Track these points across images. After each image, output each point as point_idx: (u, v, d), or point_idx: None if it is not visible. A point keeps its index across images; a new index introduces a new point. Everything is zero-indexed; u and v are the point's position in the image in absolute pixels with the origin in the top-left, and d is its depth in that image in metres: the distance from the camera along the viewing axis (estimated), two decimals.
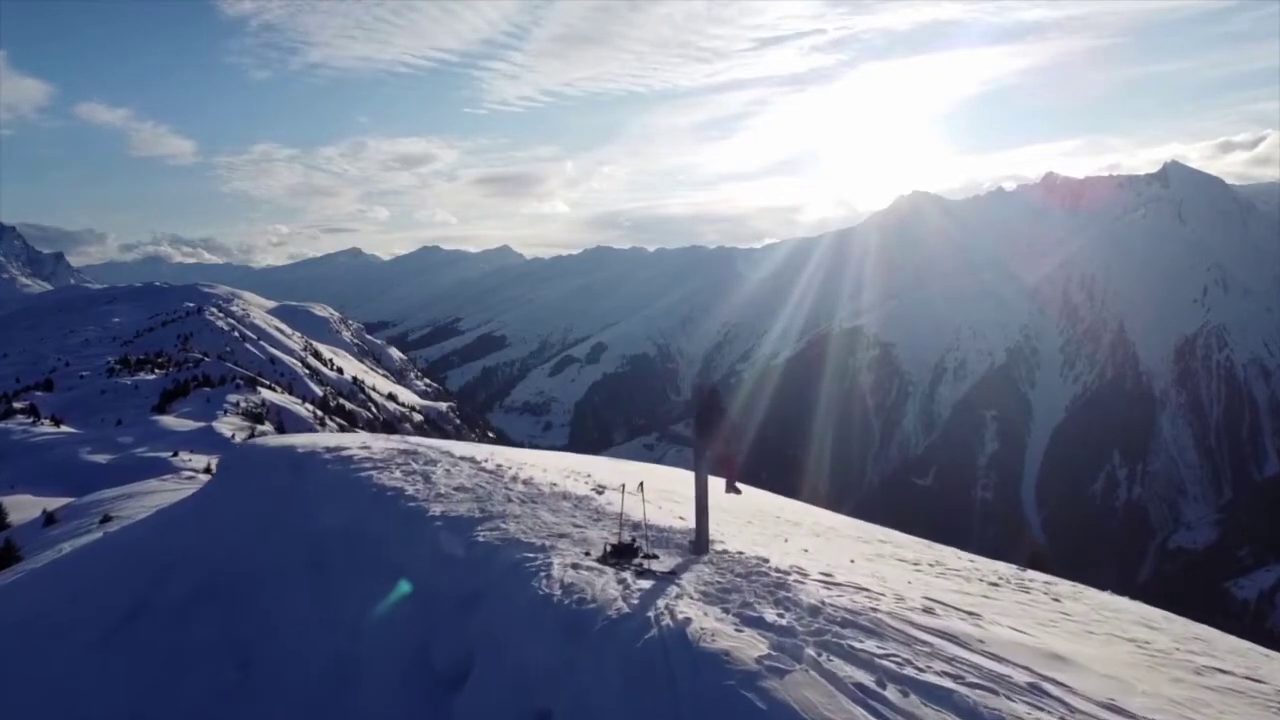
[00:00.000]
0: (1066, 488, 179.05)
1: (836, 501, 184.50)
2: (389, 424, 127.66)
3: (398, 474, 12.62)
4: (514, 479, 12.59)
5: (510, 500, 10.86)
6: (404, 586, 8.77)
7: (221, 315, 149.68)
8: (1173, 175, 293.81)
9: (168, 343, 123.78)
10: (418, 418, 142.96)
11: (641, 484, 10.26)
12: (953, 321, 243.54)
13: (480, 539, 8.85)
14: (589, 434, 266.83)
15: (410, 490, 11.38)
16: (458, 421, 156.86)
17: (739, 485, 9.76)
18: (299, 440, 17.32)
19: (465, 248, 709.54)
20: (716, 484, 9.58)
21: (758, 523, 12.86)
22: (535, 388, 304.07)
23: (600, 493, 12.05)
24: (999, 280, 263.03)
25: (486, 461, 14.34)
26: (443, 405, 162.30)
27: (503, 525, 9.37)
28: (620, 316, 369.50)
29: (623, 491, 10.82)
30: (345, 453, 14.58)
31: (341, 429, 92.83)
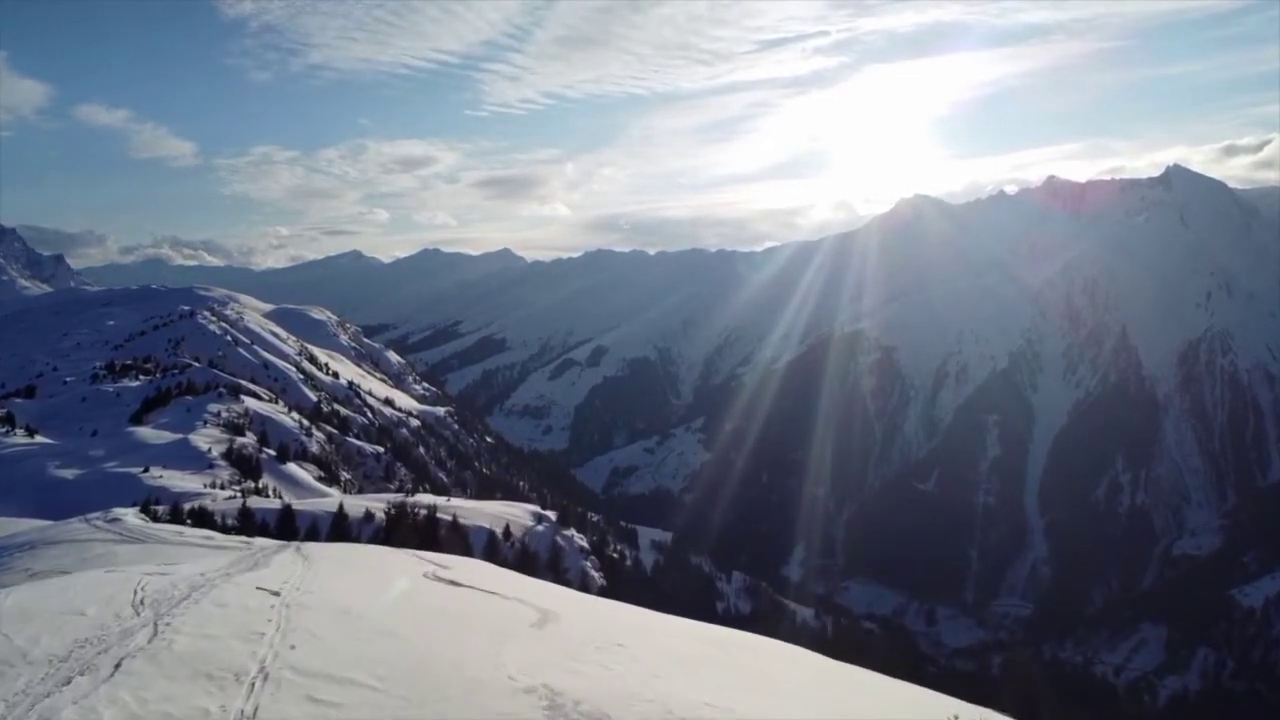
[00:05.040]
0: (1069, 493, 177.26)
1: (838, 505, 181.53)
2: (385, 429, 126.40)
3: None
4: None
5: None
6: None
7: (214, 319, 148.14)
8: (1175, 179, 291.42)
9: (158, 347, 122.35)
10: (414, 423, 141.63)
11: None
12: (954, 325, 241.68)
13: None
14: (589, 437, 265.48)
15: None
16: (455, 426, 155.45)
17: None
18: None
19: (466, 250, 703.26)
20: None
21: None
22: (535, 391, 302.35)
23: None
24: (1001, 284, 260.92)
25: None
26: (441, 410, 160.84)
27: None
28: (621, 320, 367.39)
29: None
30: None
31: (330, 439, 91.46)
